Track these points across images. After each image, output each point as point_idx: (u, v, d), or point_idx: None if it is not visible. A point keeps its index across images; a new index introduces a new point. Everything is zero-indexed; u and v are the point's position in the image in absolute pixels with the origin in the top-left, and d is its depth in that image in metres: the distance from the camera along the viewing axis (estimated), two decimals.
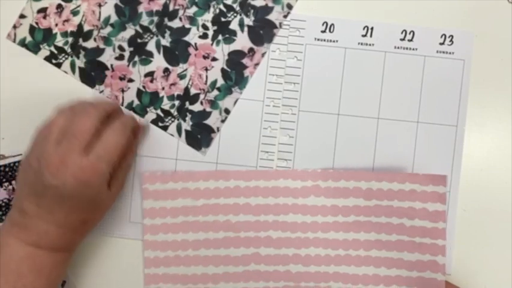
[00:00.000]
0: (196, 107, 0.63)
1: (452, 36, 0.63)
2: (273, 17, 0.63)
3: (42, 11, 0.63)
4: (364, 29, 0.63)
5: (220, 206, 0.63)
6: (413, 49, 0.63)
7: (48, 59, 0.63)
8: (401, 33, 0.63)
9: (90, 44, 0.63)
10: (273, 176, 0.63)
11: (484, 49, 0.63)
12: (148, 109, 0.63)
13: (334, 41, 0.64)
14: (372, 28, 0.63)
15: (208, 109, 0.63)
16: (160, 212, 0.63)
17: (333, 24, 0.63)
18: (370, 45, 0.63)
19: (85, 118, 0.54)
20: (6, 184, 0.63)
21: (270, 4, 0.63)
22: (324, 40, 0.64)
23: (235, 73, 0.63)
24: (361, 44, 0.64)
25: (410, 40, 0.63)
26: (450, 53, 0.63)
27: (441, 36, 0.63)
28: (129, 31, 0.63)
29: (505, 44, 0.64)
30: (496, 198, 0.64)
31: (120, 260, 0.64)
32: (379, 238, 0.62)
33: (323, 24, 0.64)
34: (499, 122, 0.64)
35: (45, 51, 0.63)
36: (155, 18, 0.63)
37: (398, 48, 0.63)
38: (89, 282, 0.64)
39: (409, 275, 0.61)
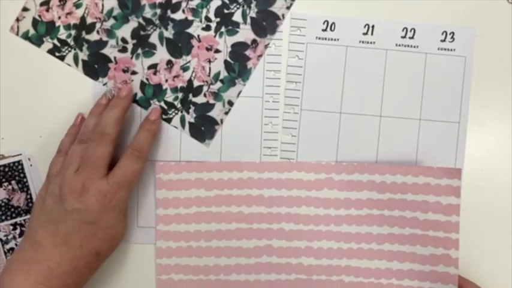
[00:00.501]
0: (200, 99, 0.63)
1: (453, 33, 0.64)
2: (276, 8, 0.63)
3: (45, 3, 0.63)
4: (365, 27, 0.64)
5: (233, 197, 0.63)
6: (414, 46, 0.64)
7: (51, 51, 0.63)
8: (403, 30, 0.64)
9: (93, 36, 0.63)
10: (287, 168, 0.63)
11: (484, 49, 0.64)
12: (151, 101, 0.63)
13: (335, 40, 0.64)
14: (373, 26, 0.64)
15: (211, 101, 0.63)
16: (174, 202, 0.63)
17: (334, 23, 0.64)
18: (371, 43, 0.64)
19: (98, 146, 0.57)
20: (6, 184, 0.63)
21: None
22: (325, 39, 0.64)
23: (239, 65, 0.63)
24: (362, 42, 0.64)
25: (412, 38, 0.64)
26: (451, 49, 0.64)
27: (442, 33, 0.64)
28: (132, 23, 0.63)
29: (505, 44, 0.64)
30: (496, 198, 0.64)
31: (129, 265, 0.64)
32: (392, 232, 0.62)
33: (324, 23, 0.64)
34: (499, 122, 0.64)
35: (48, 44, 0.63)
36: (158, 11, 0.63)
37: (399, 45, 0.64)
38: (97, 287, 0.63)
39: (421, 269, 0.61)
